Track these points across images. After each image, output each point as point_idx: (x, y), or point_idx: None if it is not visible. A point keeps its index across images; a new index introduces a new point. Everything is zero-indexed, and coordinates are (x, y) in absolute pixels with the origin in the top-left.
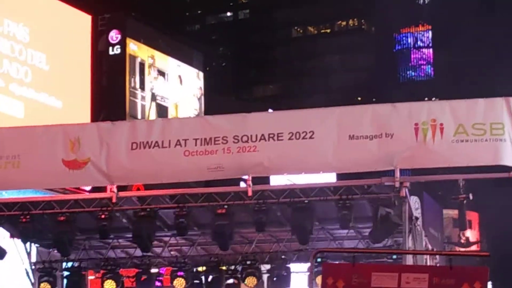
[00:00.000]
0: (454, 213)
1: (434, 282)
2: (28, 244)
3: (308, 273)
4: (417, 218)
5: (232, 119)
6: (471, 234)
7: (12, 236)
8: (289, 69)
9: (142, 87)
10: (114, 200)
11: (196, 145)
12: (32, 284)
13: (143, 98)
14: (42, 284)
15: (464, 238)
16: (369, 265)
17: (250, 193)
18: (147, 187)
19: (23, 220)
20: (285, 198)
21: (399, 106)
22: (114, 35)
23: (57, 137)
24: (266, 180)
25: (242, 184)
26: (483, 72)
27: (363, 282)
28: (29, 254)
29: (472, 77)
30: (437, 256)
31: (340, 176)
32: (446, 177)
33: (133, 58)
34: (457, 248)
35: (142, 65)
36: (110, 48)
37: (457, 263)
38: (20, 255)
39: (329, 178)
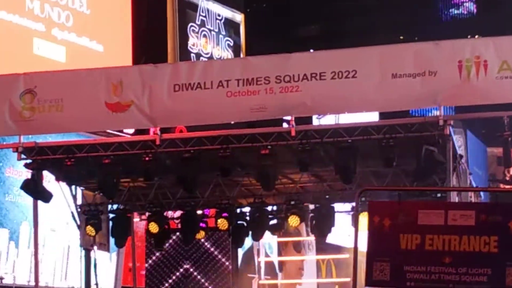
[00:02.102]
0: (498, 151)
1: (480, 219)
2: (73, 187)
3: (353, 213)
4: (461, 156)
5: (274, 59)
6: None
7: (57, 179)
8: (331, 9)
9: (184, 29)
10: (157, 142)
11: (238, 85)
12: (78, 226)
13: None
14: (87, 227)
15: (508, 175)
16: (415, 203)
17: (293, 133)
18: (190, 129)
19: (68, 163)
20: (329, 138)
21: (442, 43)
22: None
23: (100, 80)
24: (308, 120)
25: (285, 125)
26: None
27: (409, 219)
28: (74, 197)
29: None
30: (482, 195)
31: (383, 115)
32: (490, 114)
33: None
34: (502, 185)
35: (182, 6)
36: None
37: (502, 201)
38: (66, 198)
39: (372, 117)
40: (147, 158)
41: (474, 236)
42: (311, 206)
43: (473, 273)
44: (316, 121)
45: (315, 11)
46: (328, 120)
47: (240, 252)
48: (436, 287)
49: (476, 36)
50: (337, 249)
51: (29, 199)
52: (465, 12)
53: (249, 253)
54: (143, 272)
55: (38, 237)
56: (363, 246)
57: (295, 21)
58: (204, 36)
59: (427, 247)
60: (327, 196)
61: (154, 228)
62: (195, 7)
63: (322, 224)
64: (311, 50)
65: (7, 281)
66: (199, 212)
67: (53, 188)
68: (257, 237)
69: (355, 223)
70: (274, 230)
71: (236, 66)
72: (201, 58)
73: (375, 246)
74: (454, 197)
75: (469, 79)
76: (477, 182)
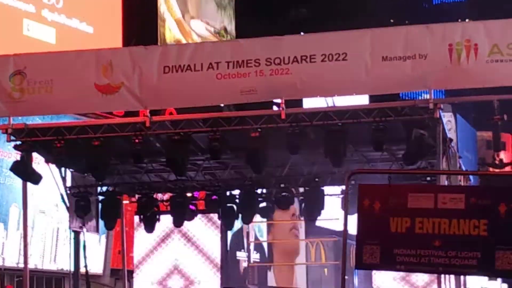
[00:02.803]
0: (487, 135)
1: (470, 202)
2: (63, 169)
3: (342, 196)
4: (451, 140)
5: (265, 41)
6: (505, 156)
7: (47, 161)
8: None
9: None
10: (147, 124)
11: (228, 68)
12: (68, 208)
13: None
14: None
15: (498, 159)
16: (405, 186)
17: (283, 116)
18: (180, 111)
19: (58, 145)
20: (319, 121)
21: (433, 27)
22: None
23: (90, 62)
24: (299, 103)
25: (275, 108)
26: None
27: (399, 203)
28: (64, 178)
29: None
30: (471, 178)
31: (373, 99)
32: (480, 98)
33: None
34: (492, 169)
35: None
36: None
37: (492, 184)
38: (55, 180)
39: (362, 100)
40: (137, 140)
41: (463, 220)
42: (301, 189)
43: (462, 257)
44: (306, 103)
45: None
46: (320, 102)
47: (229, 233)
48: (426, 270)
49: (467, 20)
50: (327, 232)
51: (18, 181)
52: None
53: (239, 235)
54: (132, 255)
55: (28, 219)
56: (353, 229)
57: (285, 4)
58: None
59: (417, 231)
60: (316, 179)
61: (143, 210)
62: None
63: (311, 207)
64: (302, 33)
65: None
66: (189, 194)
67: (43, 170)
68: (247, 220)
69: (345, 206)
70: (264, 213)
71: (226, 49)
72: None
73: (365, 229)
74: (444, 181)
75: (459, 63)
76: (467, 166)
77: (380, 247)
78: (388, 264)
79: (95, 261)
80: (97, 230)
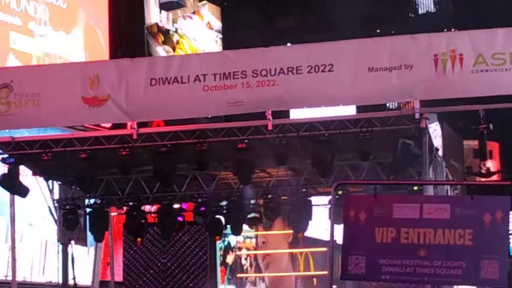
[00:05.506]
0: (474, 143)
1: (456, 212)
2: (50, 181)
3: (329, 206)
4: (437, 149)
5: (251, 53)
6: (492, 164)
7: (34, 174)
8: (307, 1)
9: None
10: (134, 136)
11: (215, 80)
12: (56, 221)
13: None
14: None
15: (485, 168)
16: (390, 196)
17: (270, 127)
18: (167, 123)
19: (45, 158)
20: (305, 132)
21: (418, 37)
22: None
23: (76, 75)
24: (286, 114)
25: None
26: (503, 3)
27: (385, 213)
28: (51, 191)
29: (492, 8)
30: (458, 187)
31: (359, 109)
32: (465, 107)
33: None
34: (478, 178)
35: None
36: None
37: (478, 194)
38: (43, 192)
39: (349, 111)
40: (124, 153)
41: (449, 229)
42: (288, 200)
43: (447, 266)
44: (293, 114)
45: (292, 4)
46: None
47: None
48: (411, 280)
49: (452, 30)
50: (316, 242)
51: (6, 194)
52: (441, 7)
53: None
54: (121, 266)
55: (15, 231)
56: (340, 240)
57: (273, 13)
58: None
59: (402, 241)
60: (304, 190)
61: (131, 222)
62: None
63: (298, 218)
64: (288, 44)
65: None
66: (177, 206)
67: (30, 182)
68: (235, 231)
69: (331, 216)
70: (252, 223)
71: (212, 61)
72: None
73: (350, 239)
74: (431, 190)
75: (444, 73)
76: (454, 175)
77: (366, 258)
78: (374, 274)
79: (83, 273)
80: (85, 242)
